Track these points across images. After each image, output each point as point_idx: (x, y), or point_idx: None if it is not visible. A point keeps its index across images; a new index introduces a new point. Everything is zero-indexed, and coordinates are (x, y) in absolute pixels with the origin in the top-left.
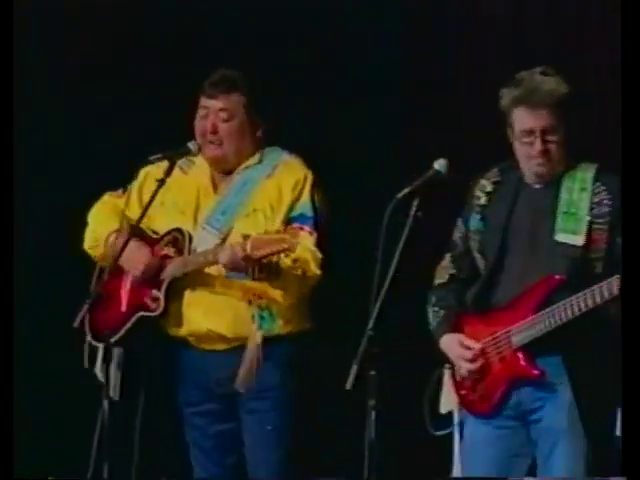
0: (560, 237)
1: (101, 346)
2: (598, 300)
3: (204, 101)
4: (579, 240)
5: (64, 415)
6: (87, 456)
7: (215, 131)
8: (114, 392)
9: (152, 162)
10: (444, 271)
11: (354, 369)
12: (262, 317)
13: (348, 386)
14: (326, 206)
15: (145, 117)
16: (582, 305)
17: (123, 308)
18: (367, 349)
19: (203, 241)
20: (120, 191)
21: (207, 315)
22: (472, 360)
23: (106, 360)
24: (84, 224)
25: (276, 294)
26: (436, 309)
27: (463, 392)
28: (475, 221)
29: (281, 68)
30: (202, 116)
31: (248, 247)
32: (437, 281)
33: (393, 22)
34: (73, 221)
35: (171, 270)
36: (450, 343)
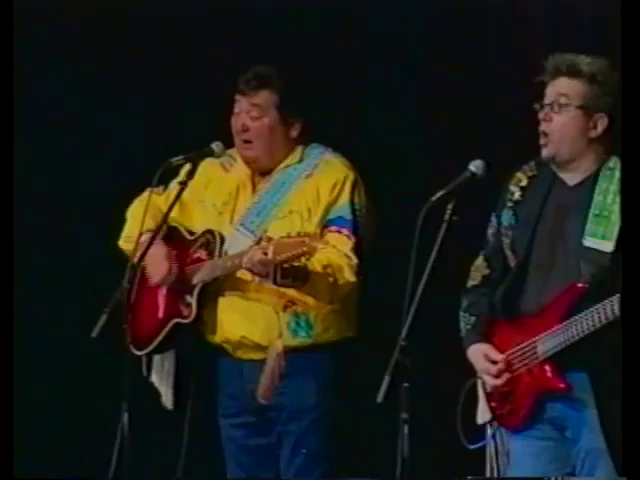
0: (588, 242)
1: (144, 355)
2: (617, 311)
3: (237, 98)
4: (608, 246)
5: (64, 415)
6: (87, 456)
7: (246, 129)
8: (166, 401)
9: (175, 164)
10: (477, 272)
11: (386, 381)
12: (298, 324)
13: (379, 399)
14: (368, 209)
15: (151, 116)
16: (602, 315)
17: (160, 315)
18: (399, 360)
19: (236, 243)
20: (161, 188)
21: (241, 322)
22: (496, 375)
23: (149, 369)
24: (87, 223)
25: (308, 300)
26: (466, 315)
27: (493, 404)
28: (508, 217)
29: (320, 66)
30: (235, 113)
31: (270, 251)
32: (470, 282)
33: (424, 22)
34: (76, 220)
35: (201, 275)
36: (476, 355)
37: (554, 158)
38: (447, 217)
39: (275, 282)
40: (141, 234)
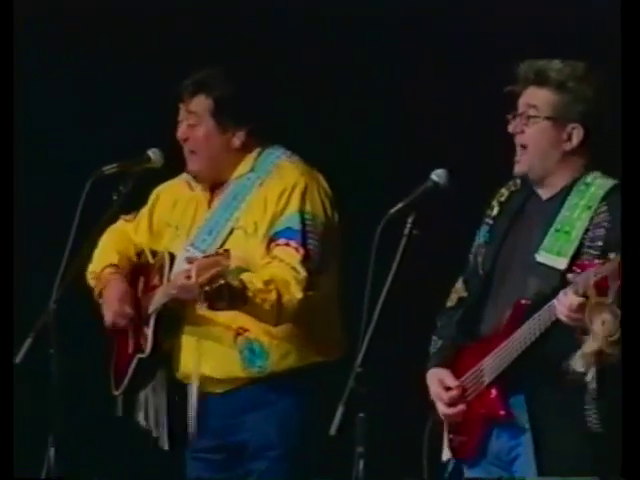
0: (541, 257)
1: (120, 396)
2: (542, 328)
3: (180, 105)
4: (562, 263)
5: (64, 415)
6: (87, 456)
7: (185, 139)
8: (162, 442)
9: (107, 173)
10: (455, 294)
11: (340, 411)
12: (252, 352)
13: (333, 431)
14: (328, 216)
15: (144, 117)
16: (537, 329)
17: (130, 350)
18: (355, 388)
19: (184, 266)
20: (132, 215)
21: (195, 356)
22: (449, 403)
23: (135, 409)
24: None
25: (260, 325)
26: (435, 338)
27: (450, 436)
28: (483, 234)
29: (267, 67)
30: (178, 121)
31: (193, 273)
32: (447, 304)
33: (381, 22)
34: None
35: (153, 304)
36: (432, 380)
37: (527, 175)
38: (407, 231)
39: (211, 307)
40: (104, 269)
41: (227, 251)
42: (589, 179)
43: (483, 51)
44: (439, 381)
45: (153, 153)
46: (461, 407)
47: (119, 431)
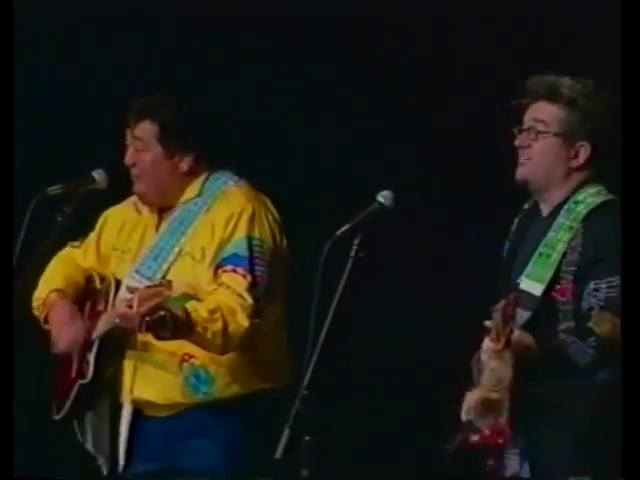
0: (523, 284)
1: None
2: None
3: (127, 130)
4: (538, 290)
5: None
6: (88, 456)
7: (133, 164)
8: (102, 467)
9: (51, 194)
10: None
11: (285, 434)
12: (198, 378)
13: (278, 454)
14: (276, 242)
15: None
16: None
17: (73, 375)
18: (301, 411)
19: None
20: (79, 241)
21: (136, 381)
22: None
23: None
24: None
25: (205, 351)
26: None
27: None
28: (505, 249)
29: (214, 90)
30: (125, 146)
31: (134, 303)
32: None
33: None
34: None
35: (97, 330)
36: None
37: (527, 181)
38: (353, 253)
39: (155, 337)
40: (49, 294)
41: (169, 282)
42: (580, 197)
43: (483, 51)
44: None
45: (98, 174)
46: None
47: None
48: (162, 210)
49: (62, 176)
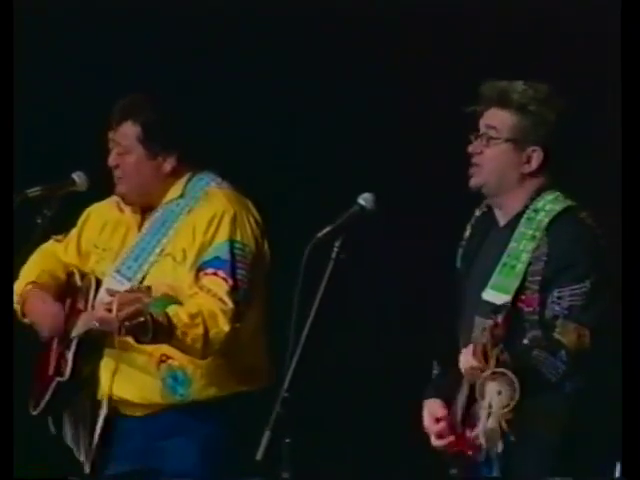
0: (487, 294)
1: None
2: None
3: (109, 133)
4: (502, 300)
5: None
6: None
7: (116, 166)
8: (84, 466)
9: (30, 196)
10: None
11: (266, 436)
12: (175, 379)
13: (259, 456)
14: (258, 245)
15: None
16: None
17: (50, 372)
18: (281, 413)
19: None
20: (63, 235)
21: (117, 381)
22: (438, 435)
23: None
24: None
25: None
26: (435, 363)
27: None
28: (458, 257)
29: (196, 90)
30: (108, 149)
31: (114, 307)
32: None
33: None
34: None
35: (77, 328)
36: (424, 411)
37: (482, 188)
38: (334, 255)
39: (135, 340)
40: (25, 286)
41: (149, 288)
42: (540, 204)
43: (479, 52)
44: (429, 413)
45: (78, 176)
46: (451, 438)
47: None
48: (145, 210)
49: (43, 178)
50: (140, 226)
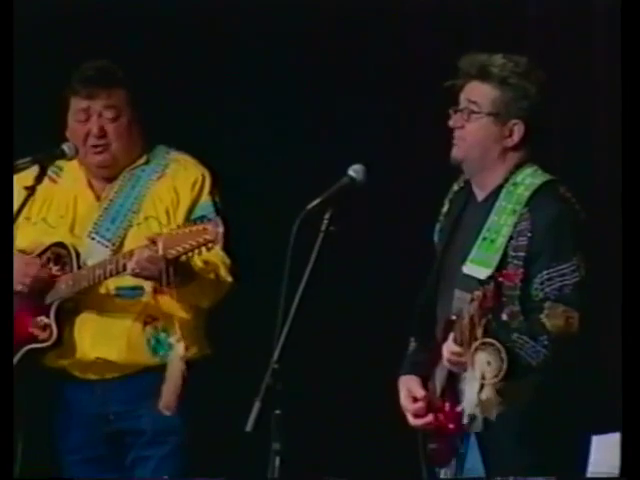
0: (467, 268)
1: None
2: None
3: (79, 103)
4: (483, 274)
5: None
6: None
7: (103, 134)
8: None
9: (20, 167)
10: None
11: (256, 407)
12: (158, 341)
13: (249, 428)
14: (227, 210)
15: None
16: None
17: (20, 338)
18: (271, 384)
19: (93, 254)
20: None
21: (96, 341)
22: (416, 415)
23: None
24: None
25: (171, 311)
26: (411, 339)
27: (432, 446)
28: (436, 232)
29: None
30: (80, 120)
31: (160, 247)
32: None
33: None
34: None
35: (60, 291)
36: (401, 388)
37: (463, 161)
38: (324, 227)
39: (168, 282)
40: None
41: (218, 219)
42: (519, 178)
43: (480, 49)
44: (407, 390)
45: (67, 147)
46: (429, 418)
47: None
48: (101, 178)
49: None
50: (96, 193)
